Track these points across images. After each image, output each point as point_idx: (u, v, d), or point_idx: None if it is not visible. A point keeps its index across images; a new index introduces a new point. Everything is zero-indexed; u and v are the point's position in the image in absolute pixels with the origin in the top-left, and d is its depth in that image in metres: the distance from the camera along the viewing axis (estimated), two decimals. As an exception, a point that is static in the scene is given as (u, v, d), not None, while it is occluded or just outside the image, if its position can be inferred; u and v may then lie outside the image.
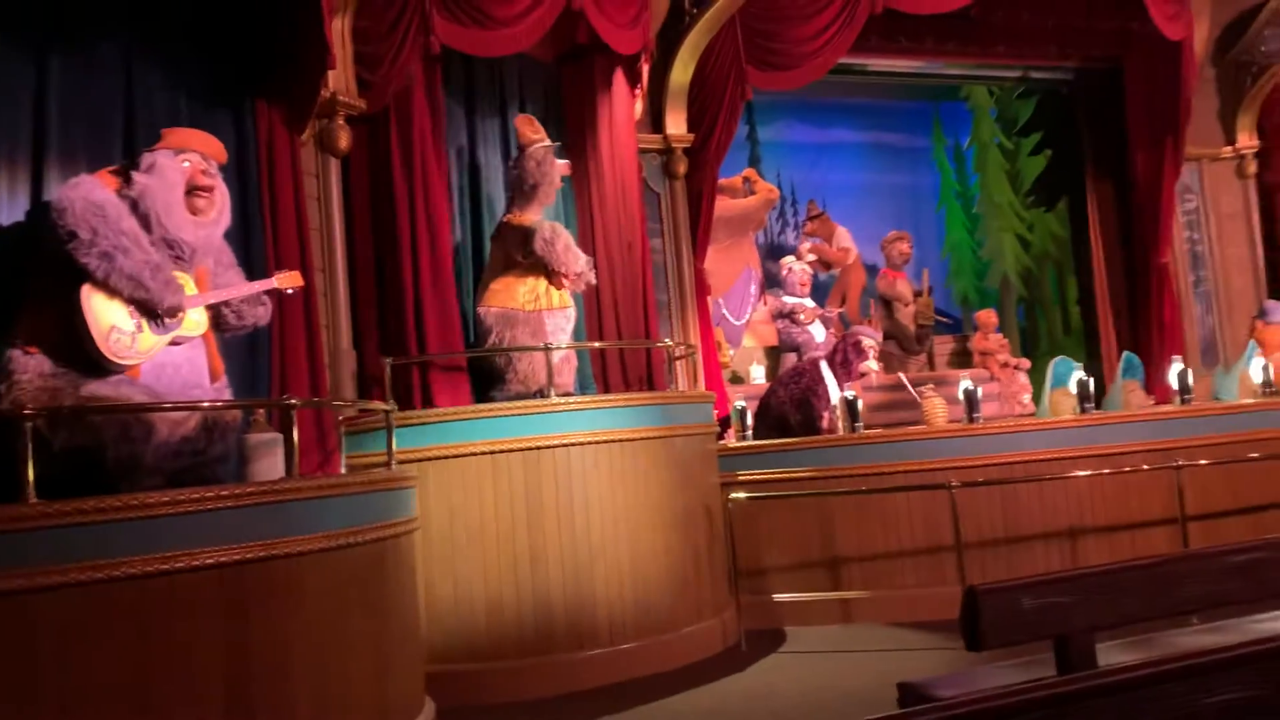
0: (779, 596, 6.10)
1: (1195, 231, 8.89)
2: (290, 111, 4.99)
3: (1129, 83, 8.66)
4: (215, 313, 4.11)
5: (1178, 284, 8.63)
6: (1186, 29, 7.91)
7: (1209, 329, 8.72)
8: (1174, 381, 6.86)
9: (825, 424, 6.72)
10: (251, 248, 4.72)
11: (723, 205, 8.83)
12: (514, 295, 5.72)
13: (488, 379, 5.78)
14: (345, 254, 5.51)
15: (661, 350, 6.34)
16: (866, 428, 6.42)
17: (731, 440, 6.72)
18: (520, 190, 5.81)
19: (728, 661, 5.29)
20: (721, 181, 9.20)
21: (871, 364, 6.94)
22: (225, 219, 4.10)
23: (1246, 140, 8.89)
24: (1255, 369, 7.10)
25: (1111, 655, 3.21)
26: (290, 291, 4.43)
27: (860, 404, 6.43)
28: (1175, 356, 7.41)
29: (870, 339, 7.03)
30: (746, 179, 9.18)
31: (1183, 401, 6.79)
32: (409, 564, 4.14)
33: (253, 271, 4.46)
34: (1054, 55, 8.88)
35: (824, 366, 6.98)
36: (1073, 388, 6.79)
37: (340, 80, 5.37)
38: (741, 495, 5.91)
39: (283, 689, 3.35)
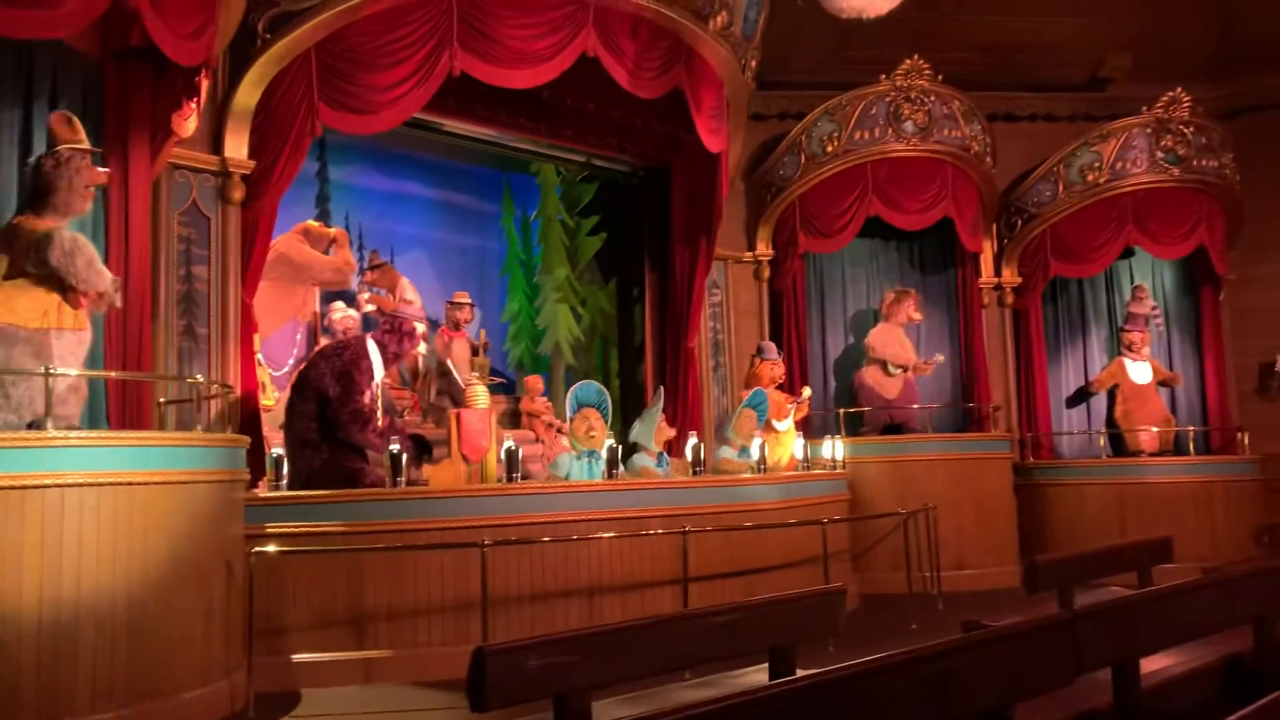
0: (298, 657, 5.80)
1: (718, 322, 10.03)
2: None
3: (675, 183, 9.62)
4: None
5: (701, 366, 9.64)
6: (724, 144, 8.94)
7: (723, 409, 9.80)
8: (689, 454, 7.60)
9: (366, 400, 6.62)
10: None
11: (295, 248, 8.43)
12: (14, 309, 4.98)
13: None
14: None
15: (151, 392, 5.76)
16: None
17: (263, 489, 6.33)
18: (37, 192, 5.12)
19: (232, 728, 4.93)
20: (312, 225, 8.84)
21: (421, 347, 7.13)
22: None
23: (763, 249, 10.27)
24: (754, 448, 8.08)
25: (611, 711, 3.42)
26: None
27: (405, 458, 6.40)
28: (692, 432, 8.22)
29: (420, 324, 7.14)
30: (335, 240, 8.84)
31: (694, 473, 7.54)
32: None
33: None
34: (614, 148, 9.63)
35: (370, 343, 6.89)
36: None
37: None
38: (268, 549, 5.58)
39: None
